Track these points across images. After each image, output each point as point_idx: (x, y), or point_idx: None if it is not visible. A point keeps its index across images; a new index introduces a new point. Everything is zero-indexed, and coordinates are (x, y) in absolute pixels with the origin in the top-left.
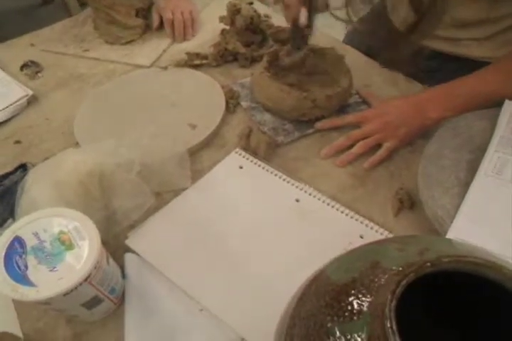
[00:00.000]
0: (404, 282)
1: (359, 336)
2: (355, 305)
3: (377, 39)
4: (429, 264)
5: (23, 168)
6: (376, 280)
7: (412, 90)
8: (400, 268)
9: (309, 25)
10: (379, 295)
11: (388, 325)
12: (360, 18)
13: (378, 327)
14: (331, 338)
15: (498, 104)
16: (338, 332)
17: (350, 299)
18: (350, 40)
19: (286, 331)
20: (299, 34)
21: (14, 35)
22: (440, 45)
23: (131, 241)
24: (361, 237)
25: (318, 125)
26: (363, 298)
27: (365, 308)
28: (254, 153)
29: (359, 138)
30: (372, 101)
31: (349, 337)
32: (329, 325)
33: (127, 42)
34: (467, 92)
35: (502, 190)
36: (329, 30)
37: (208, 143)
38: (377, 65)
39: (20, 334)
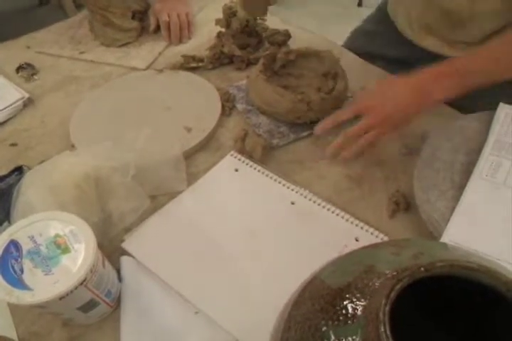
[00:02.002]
0: (398, 286)
1: (353, 340)
2: (350, 309)
3: (380, 38)
4: (422, 269)
5: (18, 170)
6: (370, 284)
7: None
8: (394, 273)
9: None
10: (373, 299)
11: (382, 329)
12: (366, 17)
13: (372, 331)
14: None
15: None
16: (332, 336)
17: (345, 303)
18: (354, 39)
19: (281, 335)
20: None
21: (10, 37)
22: (436, 47)
23: (127, 244)
24: (357, 240)
25: (318, 130)
26: (358, 302)
27: (359, 312)
28: (250, 156)
29: (357, 135)
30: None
31: (344, 340)
32: (324, 328)
33: (123, 45)
34: (474, 69)
35: (496, 193)
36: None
37: (203, 146)
38: (373, 67)
39: (15, 338)
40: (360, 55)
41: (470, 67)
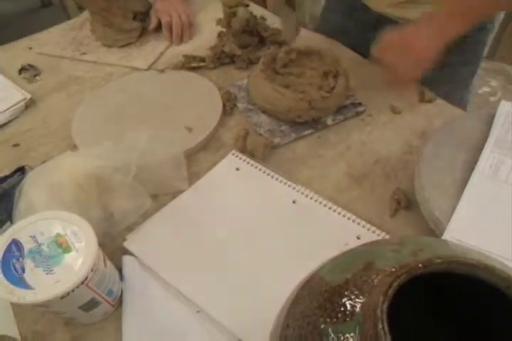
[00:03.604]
0: (396, 283)
1: (352, 337)
2: (348, 306)
3: (344, 16)
4: (421, 265)
5: (21, 171)
6: (369, 281)
7: (407, 91)
8: (393, 269)
9: None
10: (371, 296)
11: (380, 326)
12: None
13: (370, 328)
14: (324, 339)
15: None
16: (331, 333)
17: (344, 300)
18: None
19: (280, 332)
20: None
21: (13, 38)
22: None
23: (129, 244)
24: (358, 238)
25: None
26: (356, 299)
27: (357, 309)
28: (251, 155)
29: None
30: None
31: (342, 337)
32: (322, 326)
33: (124, 45)
34: (477, 4)
35: (497, 191)
36: None
37: (204, 145)
38: (374, 66)
39: (18, 337)
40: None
41: (470, 4)
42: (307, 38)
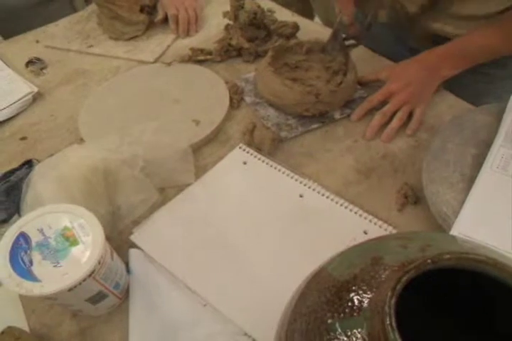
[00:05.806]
0: (404, 279)
1: (359, 332)
2: (356, 302)
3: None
4: (429, 261)
5: (28, 164)
6: (377, 276)
7: None
8: (401, 265)
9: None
10: (379, 291)
11: (388, 322)
12: None
13: (378, 323)
14: (331, 334)
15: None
16: (338, 328)
17: (351, 295)
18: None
19: (287, 326)
20: (338, 35)
21: (20, 31)
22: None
23: (135, 237)
24: (365, 233)
25: (355, 117)
26: (364, 294)
27: (365, 304)
28: (258, 149)
29: (394, 112)
30: (383, 76)
31: (349, 333)
32: (330, 321)
33: (131, 38)
34: (474, 49)
35: (506, 186)
36: None
37: (211, 138)
38: (382, 59)
39: (26, 329)
40: None
41: (472, 44)
42: (316, 31)
